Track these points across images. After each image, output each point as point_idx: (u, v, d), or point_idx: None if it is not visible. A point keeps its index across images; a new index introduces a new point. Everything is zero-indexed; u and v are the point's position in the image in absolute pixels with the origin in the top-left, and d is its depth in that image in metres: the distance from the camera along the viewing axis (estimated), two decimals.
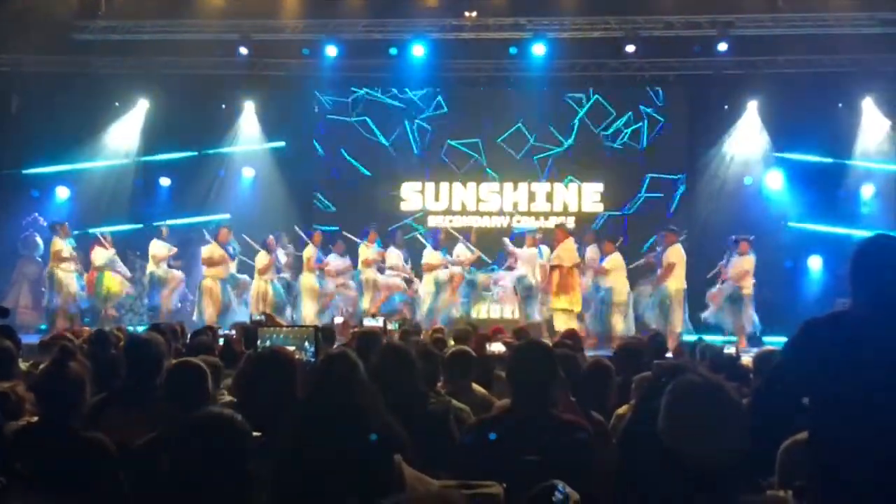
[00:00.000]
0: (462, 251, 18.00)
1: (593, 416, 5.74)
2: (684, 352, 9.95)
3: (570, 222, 20.15)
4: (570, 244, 16.48)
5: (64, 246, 17.41)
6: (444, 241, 18.12)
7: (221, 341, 9.70)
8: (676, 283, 16.63)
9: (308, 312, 17.61)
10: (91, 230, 18.45)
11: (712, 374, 4.07)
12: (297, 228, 18.62)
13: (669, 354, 9.95)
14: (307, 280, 18.01)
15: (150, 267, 17.93)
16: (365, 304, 17.52)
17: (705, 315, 16.84)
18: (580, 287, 16.62)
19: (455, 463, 4.69)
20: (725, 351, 9.12)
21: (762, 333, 16.34)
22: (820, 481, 3.89)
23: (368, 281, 17.93)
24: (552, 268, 16.53)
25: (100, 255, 17.76)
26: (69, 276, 17.41)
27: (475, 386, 6.73)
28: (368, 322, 13.35)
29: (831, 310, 4.17)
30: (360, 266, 18.09)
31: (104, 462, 4.63)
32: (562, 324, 15.15)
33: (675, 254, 16.69)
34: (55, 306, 17.26)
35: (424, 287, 17.74)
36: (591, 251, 17.56)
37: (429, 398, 5.43)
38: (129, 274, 18.37)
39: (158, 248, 17.95)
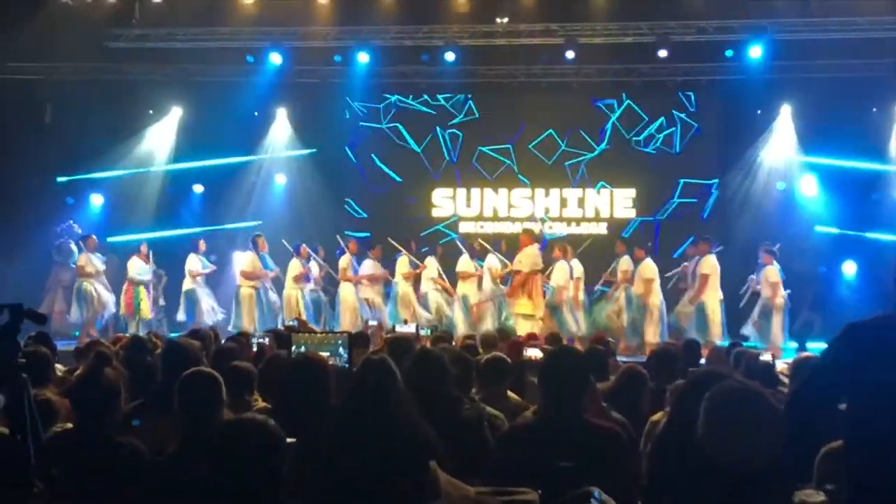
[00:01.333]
0: (493, 263, 17.91)
1: (614, 416, 5.73)
2: (719, 358, 9.88)
3: (602, 228, 20.17)
4: (532, 250, 16.41)
5: (88, 261, 17.49)
6: (479, 252, 18.05)
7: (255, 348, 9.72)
8: (712, 293, 16.58)
9: (346, 322, 17.59)
10: (127, 238, 18.62)
11: (748, 380, 4.05)
12: (338, 238, 18.59)
13: (703, 361, 9.89)
14: (345, 290, 18.02)
15: (187, 284, 17.95)
16: (401, 315, 17.42)
17: (744, 330, 16.69)
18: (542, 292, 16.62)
19: (489, 469, 4.68)
20: (761, 357, 9.04)
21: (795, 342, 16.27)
22: (854, 486, 3.85)
23: (405, 295, 17.89)
24: (515, 272, 16.47)
25: (136, 266, 17.78)
26: (95, 292, 17.50)
27: (510, 393, 6.71)
28: (401, 328, 13.36)
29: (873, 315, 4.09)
30: (396, 278, 18.06)
31: (137, 468, 4.65)
32: (523, 329, 15.02)
33: (708, 264, 16.64)
34: (80, 321, 17.37)
35: (458, 295, 17.71)
36: (625, 262, 17.51)
37: (462, 404, 5.41)
38: (160, 299, 18.56)
39: (195, 263, 17.98)
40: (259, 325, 16.92)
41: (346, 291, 17.95)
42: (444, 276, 18.10)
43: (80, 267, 17.52)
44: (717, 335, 16.22)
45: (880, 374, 3.66)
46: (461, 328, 16.57)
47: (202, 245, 18.12)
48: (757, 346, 14.86)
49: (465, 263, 17.80)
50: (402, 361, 5.35)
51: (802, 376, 5.81)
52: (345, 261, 18.03)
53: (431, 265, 18.05)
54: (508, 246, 18.15)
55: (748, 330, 16.48)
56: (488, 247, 18.26)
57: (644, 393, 6.68)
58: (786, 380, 7.66)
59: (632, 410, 6.21)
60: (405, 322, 15.69)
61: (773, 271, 16.44)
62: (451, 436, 4.69)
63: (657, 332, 16.84)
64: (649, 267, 17.11)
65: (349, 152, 21.00)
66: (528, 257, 16.32)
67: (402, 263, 18.04)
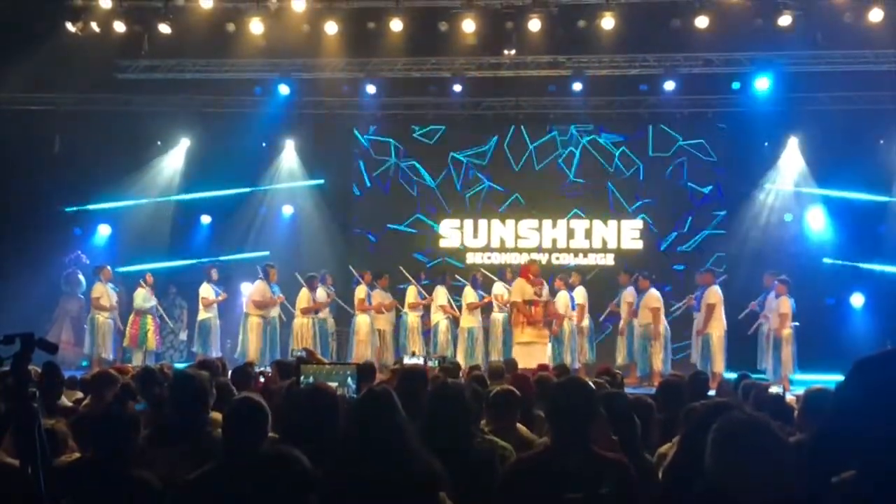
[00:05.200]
0: (499, 291, 17.97)
1: (644, 457, 5.70)
2: (727, 390, 9.86)
3: (610, 259, 20.15)
4: (519, 283, 16.48)
5: (104, 292, 17.65)
6: (481, 282, 18.08)
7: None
8: (717, 324, 16.60)
9: (360, 353, 17.58)
10: (134, 268, 18.67)
11: (757, 412, 4.05)
12: (351, 269, 18.62)
13: (712, 392, 9.87)
14: (360, 320, 18.04)
15: (201, 314, 18.04)
16: (409, 346, 17.47)
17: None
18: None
19: (496, 501, 4.66)
20: (770, 389, 9.02)
21: (801, 371, 16.26)
22: None
23: (413, 325, 17.89)
24: (545, 304, 16.52)
25: (140, 296, 17.90)
26: (107, 324, 17.59)
27: (519, 426, 6.69)
28: (408, 360, 13.34)
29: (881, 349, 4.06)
30: (405, 308, 18.09)
31: (151, 501, 4.65)
32: (521, 356, 14.98)
33: (714, 295, 16.67)
34: (93, 353, 17.46)
35: (463, 326, 17.73)
36: (628, 293, 17.52)
37: (476, 437, 5.40)
38: (181, 332, 18.72)
39: (208, 292, 18.06)
40: (265, 354, 16.99)
41: (361, 321, 17.97)
42: (453, 305, 18.11)
43: (94, 299, 17.67)
44: (721, 366, 16.27)
45: (889, 410, 3.63)
46: (461, 359, 16.51)
47: (214, 274, 18.16)
48: (765, 378, 14.91)
49: (469, 294, 17.86)
50: (414, 394, 5.35)
51: (815, 412, 5.79)
52: (361, 291, 18.14)
53: (441, 294, 18.08)
54: (513, 276, 18.09)
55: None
56: (490, 275, 18.36)
57: (651, 424, 6.66)
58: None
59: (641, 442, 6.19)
60: (413, 354, 15.68)
61: (786, 302, 16.41)
62: (465, 469, 4.70)
63: (663, 360, 16.84)
64: (654, 296, 17.13)
65: (356, 183, 21.02)
66: (515, 288, 16.46)
67: (411, 294, 18.10)
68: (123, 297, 18.14)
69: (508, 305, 16.89)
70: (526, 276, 16.36)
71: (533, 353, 15.37)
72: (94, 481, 4.64)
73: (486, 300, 17.99)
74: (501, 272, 18.61)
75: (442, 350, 17.31)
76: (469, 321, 17.73)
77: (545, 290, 16.38)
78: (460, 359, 16.47)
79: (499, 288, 18.02)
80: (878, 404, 3.66)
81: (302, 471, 3.54)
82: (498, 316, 17.88)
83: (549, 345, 16.67)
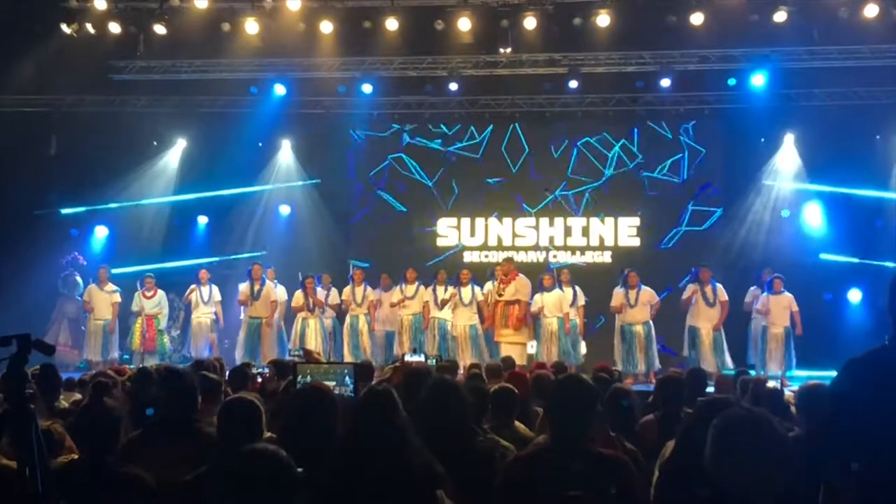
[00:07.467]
0: (487, 290, 17.85)
1: (626, 447, 5.71)
2: (726, 386, 9.86)
3: (607, 257, 20.13)
4: (522, 280, 16.59)
5: (94, 294, 17.78)
6: (465, 282, 17.80)
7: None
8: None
9: (352, 352, 17.55)
10: (130, 269, 18.65)
11: (756, 407, 4.04)
12: (355, 263, 18.42)
13: (710, 389, 9.87)
14: (352, 319, 18.02)
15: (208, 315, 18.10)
16: (403, 345, 17.39)
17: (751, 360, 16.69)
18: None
19: (498, 500, 4.65)
20: (769, 385, 9.03)
21: (798, 367, 16.26)
22: None
23: (405, 323, 17.82)
24: (508, 303, 16.49)
25: (136, 299, 17.91)
26: (96, 326, 17.63)
27: (518, 423, 6.70)
28: (409, 357, 13.28)
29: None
30: (406, 308, 17.98)
31: (143, 499, 4.64)
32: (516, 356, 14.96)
33: (724, 292, 16.62)
34: (86, 354, 17.63)
35: (459, 324, 17.63)
36: (620, 291, 17.37)
37: (477, 435, 5.38)
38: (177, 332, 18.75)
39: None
40: (256, 354, 16.97)
41: (353, 321, 17.94)
42: (437, 305, 17.83)
43: (84, 302, 17.73)
44: (730, 363, 16.24)
45: (881, 407, 3.63)
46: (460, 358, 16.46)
47: (204, 275, 18.09)
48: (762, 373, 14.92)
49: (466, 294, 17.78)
50: (418, 392, 5.34)
51: (812, 407, 5.78)
52: (348, 292, 18.02)
53: (427, 293, 17.90)
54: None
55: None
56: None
57: (636, 414, 6.71)
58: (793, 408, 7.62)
59: (623, 430, 6.23)
60: (414, 351, 15.63)
61: (786, 298, 16.41)
62: (465, 467, 4.69)
63: (647, 359, 16.75)
64: (652, 293, 17.04)
65: (353, 183, 21.02)
66: (522, 287, 16.59)
67: (400, 293, 17.92)
68: (125, 298, 18.07)
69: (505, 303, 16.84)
70: (498, 276, 16.52)
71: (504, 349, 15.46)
72: (88, 480, 4.64)
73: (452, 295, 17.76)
74: (491, 271, 18.46)
75: (430, 349, 17.15)
76: (466, 319, 17.56)
77: (510, 289, 16.42)
78: (458, 357, 16.45)
79: (487, 287, 17.82)
80: (869, 400, 3.66)
81: (282, 468, 3.52)
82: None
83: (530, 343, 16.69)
